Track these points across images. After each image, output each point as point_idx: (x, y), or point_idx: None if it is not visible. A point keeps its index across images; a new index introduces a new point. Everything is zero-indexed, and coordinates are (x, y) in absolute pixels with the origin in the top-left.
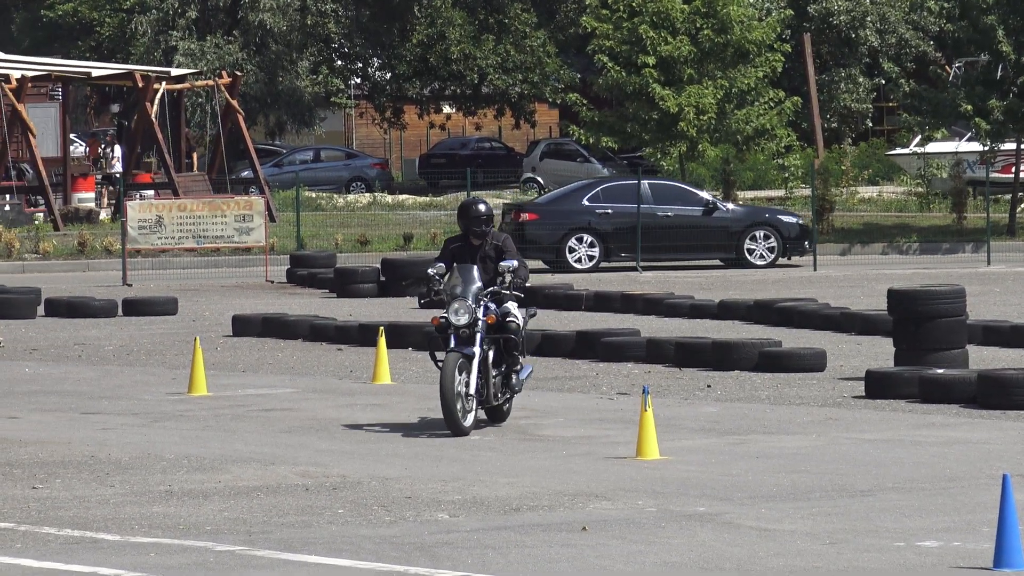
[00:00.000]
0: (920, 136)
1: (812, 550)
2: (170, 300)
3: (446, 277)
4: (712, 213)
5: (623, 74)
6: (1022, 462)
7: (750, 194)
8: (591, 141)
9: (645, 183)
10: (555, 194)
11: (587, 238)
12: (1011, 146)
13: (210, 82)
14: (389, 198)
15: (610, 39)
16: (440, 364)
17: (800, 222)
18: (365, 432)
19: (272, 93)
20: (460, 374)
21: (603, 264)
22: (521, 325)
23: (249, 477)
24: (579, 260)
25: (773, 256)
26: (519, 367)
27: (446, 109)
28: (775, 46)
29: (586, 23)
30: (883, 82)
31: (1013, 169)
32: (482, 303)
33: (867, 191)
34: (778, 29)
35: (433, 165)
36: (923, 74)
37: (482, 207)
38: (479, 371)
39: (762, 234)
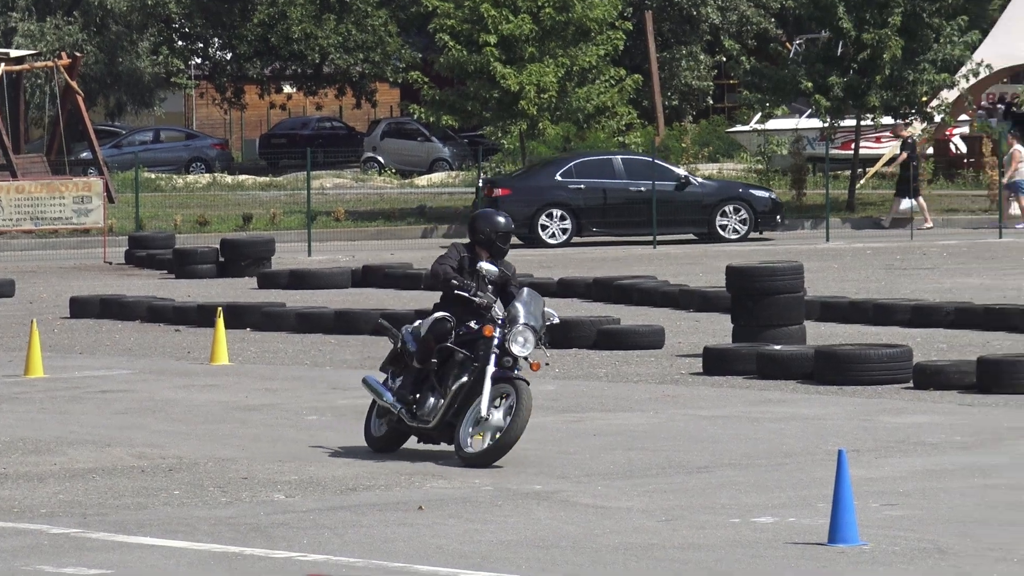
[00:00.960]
0: (760, 113)
1: (648, 527)
2: (7, 282)
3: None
4: (684, 188)
5: (464, 53)
6: (858, 437)
7: None
8: (432, 120)
9: (619, 158)
10: (528, 169)
11: (559, 213)
12: (851, 123)
13: (49, 63)
14: (229, 179)
15: (451, 18)
16: (390, 373)
17: (773, 196)
18: (202, 413)
19: (112, 74)
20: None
21: (575, 239)
22: None
23: (84, 459)
24: (552, 235)
25: (745, 230)
26: None
27: (287, 89)
28: (616, 24)
29: (427, 2)
30: (724, 60)
31: (853, 145)
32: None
33: (708, 168)
34: (619, 7)
35: (273, 145)
36: (764, 51)
37: (503, 220)
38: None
39: (733, 208)
